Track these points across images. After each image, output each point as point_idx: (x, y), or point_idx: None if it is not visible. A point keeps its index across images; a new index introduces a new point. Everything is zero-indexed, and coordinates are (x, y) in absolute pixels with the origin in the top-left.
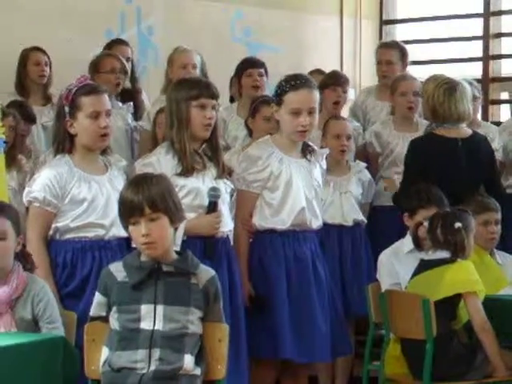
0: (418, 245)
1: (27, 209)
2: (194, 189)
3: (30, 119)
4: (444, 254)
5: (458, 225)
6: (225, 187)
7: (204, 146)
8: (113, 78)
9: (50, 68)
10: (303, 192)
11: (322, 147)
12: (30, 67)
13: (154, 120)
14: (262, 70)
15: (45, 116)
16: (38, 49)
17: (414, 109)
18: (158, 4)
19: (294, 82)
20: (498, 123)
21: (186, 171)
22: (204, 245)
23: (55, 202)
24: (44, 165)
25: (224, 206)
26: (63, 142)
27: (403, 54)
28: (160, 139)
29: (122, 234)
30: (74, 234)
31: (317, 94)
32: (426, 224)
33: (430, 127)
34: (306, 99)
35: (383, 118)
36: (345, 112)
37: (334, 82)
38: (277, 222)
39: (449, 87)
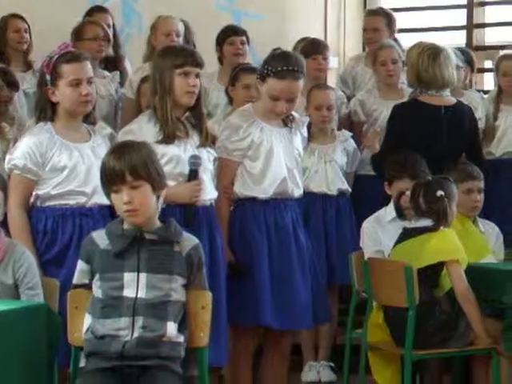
0: (401, 214)
1: (9, 176)
2: (174, 157)
3: (14, 86)
4: (427, 222)
5: (440, 193)
6: (208, 155)
7: (188, 113)
8: (95, 45)
9: (30, 35)
10: (284, 161)
11: (308, 115)
12: (9, 34)
13: (137, 89)
14: (244, 38)
15: (26, 82)
16: (16, 16)
17: (393, 76)
18: None
19: (280, 69)
20: (481, 91)
21: (167, 138)
22: (184, 212)
23: (35, 169)
24: (25, 133)
25: (206, 175)
26: (45, 110)
27: (389, 20)
28: (145, 108)
29: (105, 201)
30: (54, 202)
31: (301, 83)
32: (408, 193)
33: (414, 93)
34: (287, 90)
35: (372, 84)
36: (331, 78)
37: (313, 50)
38: (258, 191)
39: (432, 52)
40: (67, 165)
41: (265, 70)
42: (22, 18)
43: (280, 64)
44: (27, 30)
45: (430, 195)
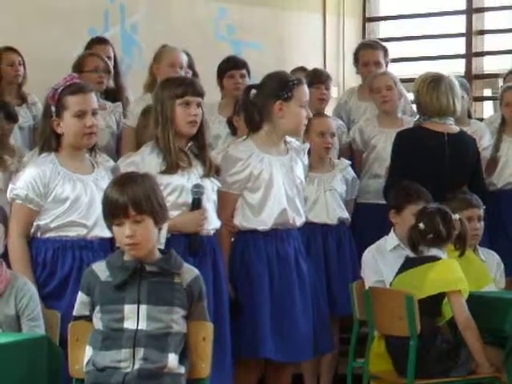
0: (415, 247)
1: (11, 205)
2: (178, 186)
3: (12, 118)
4: (432, 252)
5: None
6: (211, 185)
7: (191, 143)
8: (96, 77)
9: (25, 67)
10: (284, 191)
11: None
12: (3, 68)
13: (138, 122)
14: (244, 71)
15: (21, 117)
16: (10, 49)
17: (388, 102)
18: (141, 2)
19: (297, 81)
20: (481, 120)
21: (171, 168)
22: (188, 242)
23: (38, 199)
24: (28, 163)
25: (209, 204)
26: (49, 141)
27: (386, 53)
28: (146, 140)
29: (105, 234)
30: (54, 233)
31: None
32: (421, 225)
33: (419, 121)
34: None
35: (370, 114)
36: (330, 108)
37: (316, 80)
38: (258, 222)
39: (434, 80)
40: (70, 196)
41: (287, 86)
42: (15, 50)
43: (292, 75)
44: (21, 62)
45: (450, 221)
